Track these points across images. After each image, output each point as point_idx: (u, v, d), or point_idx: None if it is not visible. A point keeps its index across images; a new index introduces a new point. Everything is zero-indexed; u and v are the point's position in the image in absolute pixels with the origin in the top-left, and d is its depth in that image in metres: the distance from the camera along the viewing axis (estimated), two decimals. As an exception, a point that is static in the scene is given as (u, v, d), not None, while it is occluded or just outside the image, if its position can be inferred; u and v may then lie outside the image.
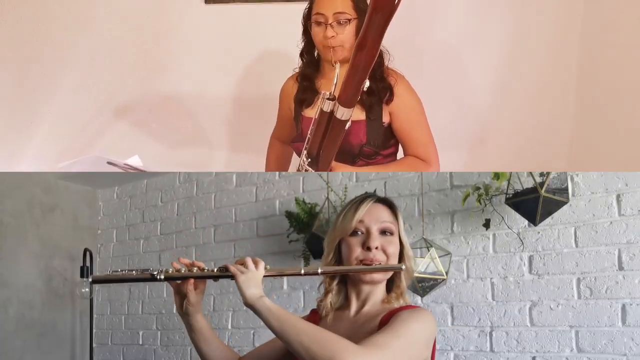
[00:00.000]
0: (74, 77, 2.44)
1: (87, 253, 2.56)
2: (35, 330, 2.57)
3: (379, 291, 1.18)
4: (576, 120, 2.46)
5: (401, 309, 1.12)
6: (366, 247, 1.14)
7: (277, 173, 2.24)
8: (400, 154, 1.82)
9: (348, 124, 1.37)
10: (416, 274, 1.66)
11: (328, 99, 1.34)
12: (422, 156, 1.74)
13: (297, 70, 1.85)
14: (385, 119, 1.71)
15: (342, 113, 1.33)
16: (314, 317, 1.22)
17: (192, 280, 1.17)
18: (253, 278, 1.08)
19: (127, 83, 2.47)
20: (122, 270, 1.17)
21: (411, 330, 1.04)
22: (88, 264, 2.55)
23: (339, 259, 1.19)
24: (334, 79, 1.35)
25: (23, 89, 2.46)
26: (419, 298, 1.81)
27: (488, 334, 1.72)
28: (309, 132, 1.46)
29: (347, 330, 1.13)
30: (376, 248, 1.14)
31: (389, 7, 1.12)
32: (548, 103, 2.49)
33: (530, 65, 2.44)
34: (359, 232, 1.16)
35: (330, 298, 1.19)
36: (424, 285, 1.68)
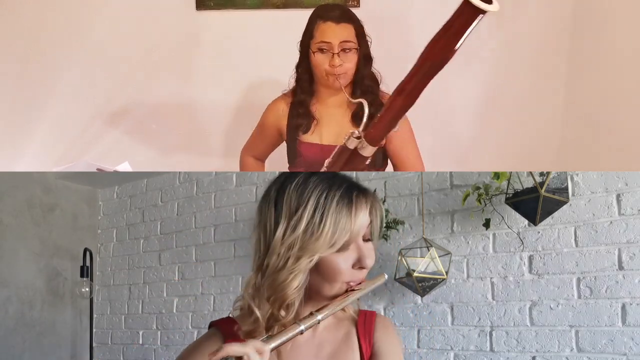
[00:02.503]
0: (73, 79, 2.44)
1: (87, 253, 2.56)
2: (35, 330, 2.57)
3: None
4: (576, 120, 2.46)
5: (368, 321, 0.96)
6: (358, 267, 0.89)
7: (277, 172, 2.24)
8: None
9: (369, 159, 1.39)
10: (416, 274, 1.67)
11: (355, 137, 1.36)
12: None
13: (285, 92, 1.88)
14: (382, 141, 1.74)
15: (368, 150, 1.35)
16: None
17: None
18: None
19: (123, 88, 2.47)
20: None
21: (400, 353, 0.95)
22: (88, 263, 2.55)
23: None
24: (324, 126, 1.44)
25: (23, 90, 2.46)
26: (419, 298, 1.82)
27: (488, 334, 1.72)
28: (325, 163, 1.47)
29: (316, 355, 0.93)
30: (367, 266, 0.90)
31: (441, 61, 1.18)
32: (548, 103, 2.49)
33: (530, 65, 2.44)
34: (347, 247, 0.88)
35: (259, 321, 0.88)
36: (424, 285, 1.68)
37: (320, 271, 0.87)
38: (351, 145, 1.37)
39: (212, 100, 2.51)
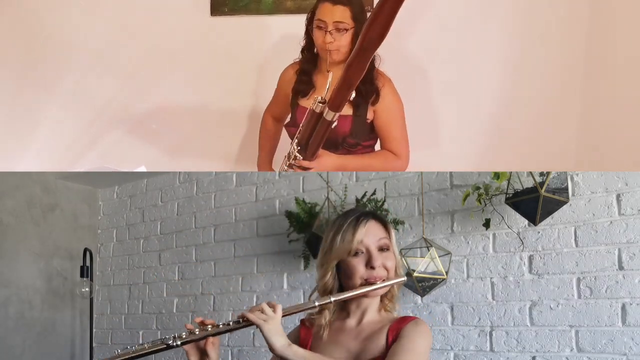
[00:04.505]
0: (75, 80, 2.44)
1: (87, 253, 2.56)
2: (35, 330, 2.57)
3: (377, 300, 1.23)
4: (577, 120, 2.46)
5: (404, 321, 1.18)
6: (370, 267, 1.18)
7: (277, 173, 2.24)
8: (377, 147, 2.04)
9: (334, 123, 1.60)
10: (416, 274, 1.67)
11: (320, 102, 1.61)
12: (394, 150, 1.96)
13: (297, 60, 2.03)
14: (370, 116, 1.91)
15: (330, 115, 1.56)
16: (305, 330, 1.24)
17: (211, 339, 1.14)
18: (275, 324, 1.08)
19: (130, 89, 2.47)
20: (132, 347, 1.10)
21: (421, 347, 1.14)
22: (88, 263, 2.56)
23: (337, 278, 1.21)
24: (326, 84, 1.61)
25: (24, 90, 2.46)
26: (419, 298, 1.82)
27: (488, 334, 1.72)
28: (301, 124, 1.71)
29: (353, 342, 1.18)
30: (379, 266, 1.18)
31: (377, 39, 1.38)
32: (550, 104, 2.49)
33: (535, 67, 2.44)
34: (360, 252, 1.18)
35: (327, 314, 1.21)
36: (424, 285, 1.68)
37: (344, 271, 1.19)
38: (317, 109, 1.60)
39: (224, 103, 2.51)
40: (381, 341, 1.15)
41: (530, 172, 1.56)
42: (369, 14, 1.83)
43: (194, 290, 2.44)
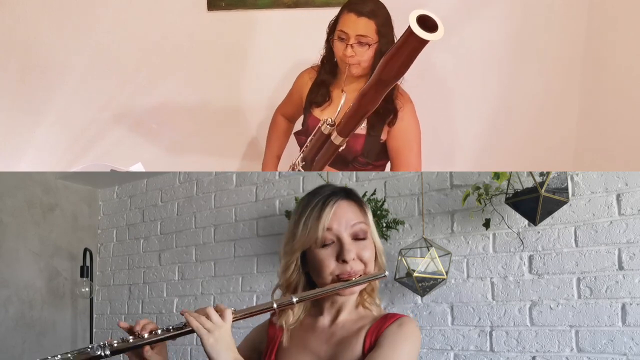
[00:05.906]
0: (76, 79, 2.44)
1: (87, 253, 2.56)
2: (35, 330, 2.57)
3: (354, 296, 1.05)
4: (578, 120, 2.47)
5: (386, 320, 1.01)
6: (341, 260, 0.98)
7: (277, 173, 2.24)
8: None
9: (342, 147, 1.47)
10: (416, 274, 1.67)
11: (329, 124, 1.46)
12: None
13: (315, 65, 1.95)
14: (384, 136, 1.83)
15: (338, 140, 1.44)
16: (274, 329, 1.08)
17: (147, 347, 0.95)
18: (222, 336, 0.89)
19: (128, 87, 2.47)
20: (54, 356, 0.91)
21: (404, 354, 0.95)
22: (88, 263, 2.56)
23: (302, 272, 1.04)
24: (337, 106, 1.48)
25: (24, 89, 2.46)
26: (419, 298, 1.82)
27: (488, 334, 1.72)
28: (308, 139, 1.56)
29: (324, 346, 1.03)
30: (352, 259, 0.99)
31: (394, 79, 1.25)
32: (550, 104, 2.49)
33: (535, 67, 2.45)
34: (330, 242, 0.99)
35: (291, 315, 1.05)
36: (424, 285, 1.68)
37: (311, 265, 1.01)
38: (325, 131, 1.47)
39: (224, 101, 2.50)
40: (357, 347, 0.98)
41: (530, 172, 1.56)
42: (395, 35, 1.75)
43: (194, 290, 2.44)
